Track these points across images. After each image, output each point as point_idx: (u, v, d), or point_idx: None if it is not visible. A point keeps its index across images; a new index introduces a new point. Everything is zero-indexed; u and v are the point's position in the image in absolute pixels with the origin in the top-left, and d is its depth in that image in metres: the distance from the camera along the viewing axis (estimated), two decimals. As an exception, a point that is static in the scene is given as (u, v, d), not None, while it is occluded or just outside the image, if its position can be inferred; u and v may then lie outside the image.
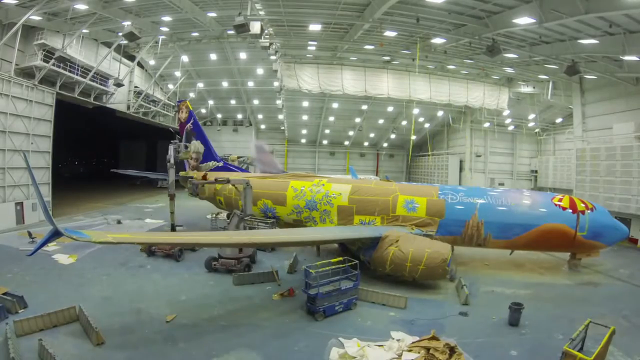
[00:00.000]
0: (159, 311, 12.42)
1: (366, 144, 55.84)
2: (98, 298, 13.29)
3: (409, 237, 15.96)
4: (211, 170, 26.51)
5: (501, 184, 44.55)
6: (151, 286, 14.95)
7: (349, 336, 10.94)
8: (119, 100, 35.22)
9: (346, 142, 54.73)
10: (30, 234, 20.75)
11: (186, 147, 25.27)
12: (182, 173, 27.26)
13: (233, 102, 47.94)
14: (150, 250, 18.83)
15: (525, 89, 36.27)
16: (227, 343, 10.57)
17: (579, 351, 9.15)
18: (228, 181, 20.04)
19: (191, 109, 27.85)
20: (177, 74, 39.88)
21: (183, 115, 28.11)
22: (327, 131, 52.20)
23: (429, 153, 51.83)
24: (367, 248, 16.21)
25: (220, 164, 27.11)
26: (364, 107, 45.01)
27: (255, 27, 20.58)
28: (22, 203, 24.59)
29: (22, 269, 15.85)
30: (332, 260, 13.81)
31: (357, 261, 13.61)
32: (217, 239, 14.80)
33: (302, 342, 10.80)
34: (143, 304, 13.03)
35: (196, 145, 26.97)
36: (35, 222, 24.91)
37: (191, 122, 27.50)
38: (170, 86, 42.60)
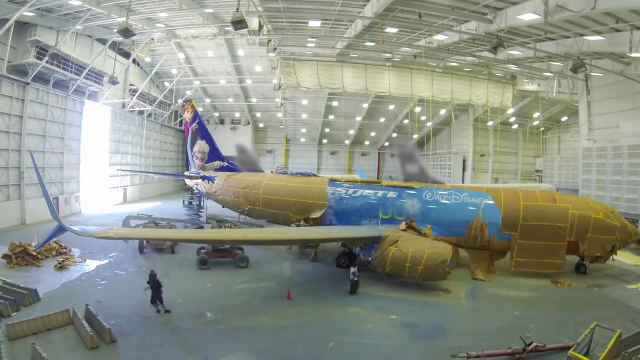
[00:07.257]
0: (155, 314, 12.18)
1: (367, 143, 55.45)
2: (92, 301, 12.96)
3: (409, 237, 15.75)
4: (216, 170, 26.43)
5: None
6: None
7: (349, 339, 10.64)
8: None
9: (347, 142, 54.30)
10: None
11: None
12: (187, 173, 27.25)
13: (231, 100, 47.58)
14: (141, 247, 18.57)
15: (530, 87, 35.75)
16: (225, 347, 10.34)
17: (584, 356, 8.91)
18: None
19: (197, 109, 27.84)
20: (174, 71, 39.57)
21: (189, 115, 28.24)
22: (327, 130, 51.81)
23: (432, 152, 51.46)
24: (367, 248, 15.99)
25: (226, 164, 27.11)
26: (365, 105, 44.60)
27: (254, 23, 20.25)
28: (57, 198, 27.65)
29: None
30: None
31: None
32: (212, 235, 14.66)
33: (301, 346, 10.56)
34: (138, 307, 12.72)
35: (202, 146, 26.97)
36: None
37: (197, 122, 27.69)
38: (167, 84, 42.25)
